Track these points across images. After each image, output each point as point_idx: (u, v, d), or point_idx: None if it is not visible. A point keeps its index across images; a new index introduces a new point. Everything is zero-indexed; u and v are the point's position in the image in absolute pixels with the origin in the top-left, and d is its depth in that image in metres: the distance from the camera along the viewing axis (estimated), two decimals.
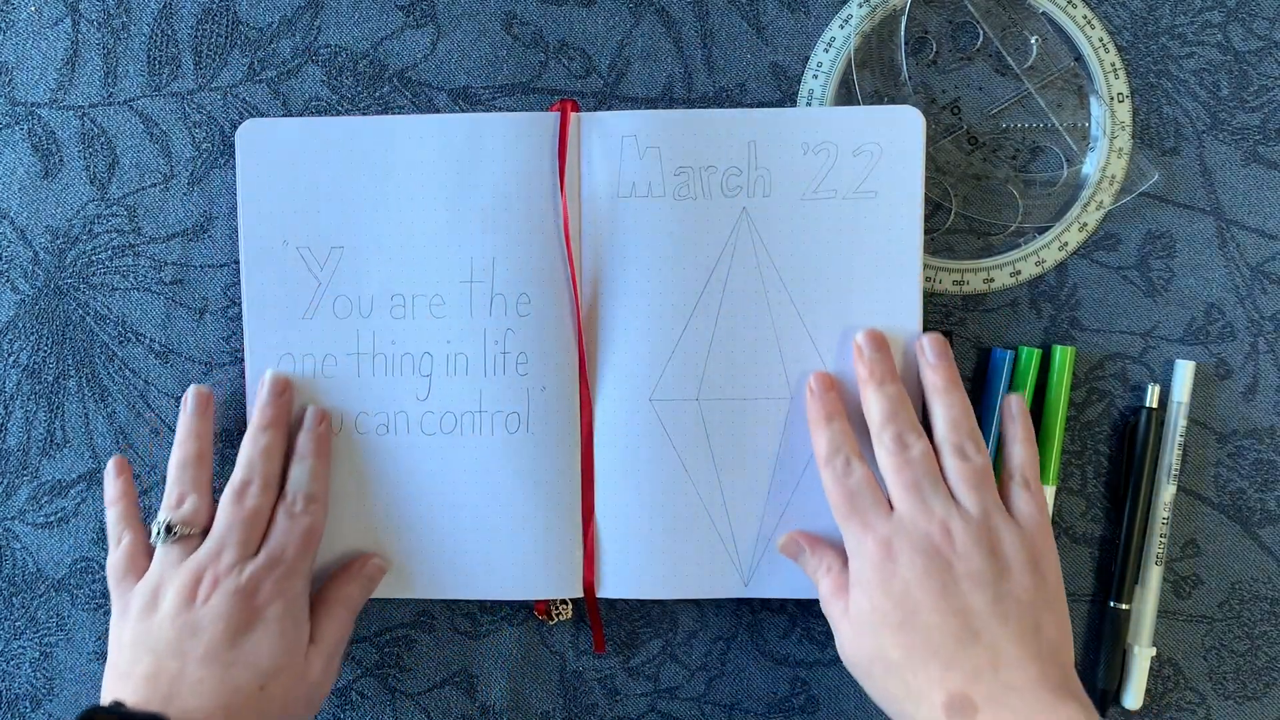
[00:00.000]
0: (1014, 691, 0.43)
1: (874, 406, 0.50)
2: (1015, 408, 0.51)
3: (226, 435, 0.55)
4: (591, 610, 0.54)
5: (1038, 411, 0.54)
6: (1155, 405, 0.53)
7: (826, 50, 0.54)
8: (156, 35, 0.55)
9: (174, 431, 0.55)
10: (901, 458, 0.48)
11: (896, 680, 0.46)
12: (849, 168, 0.52)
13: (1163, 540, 0.53)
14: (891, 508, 0.48)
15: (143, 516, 0.53)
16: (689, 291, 0.52)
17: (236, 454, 0.54)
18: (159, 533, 0.50)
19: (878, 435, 0.49)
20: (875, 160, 0.52)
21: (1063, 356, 0.53)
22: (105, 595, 0.55)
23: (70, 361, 0.55)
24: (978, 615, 0.45)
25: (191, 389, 0.54)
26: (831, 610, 0.49)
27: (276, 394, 0.53)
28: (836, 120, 0.52)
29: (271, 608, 0.48)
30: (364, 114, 0.54)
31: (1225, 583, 0.55)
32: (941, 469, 0.48)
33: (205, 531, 0.50)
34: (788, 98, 0.54)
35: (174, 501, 0.51)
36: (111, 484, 0.54)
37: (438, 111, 0.55)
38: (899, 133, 0.52)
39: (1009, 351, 0.53)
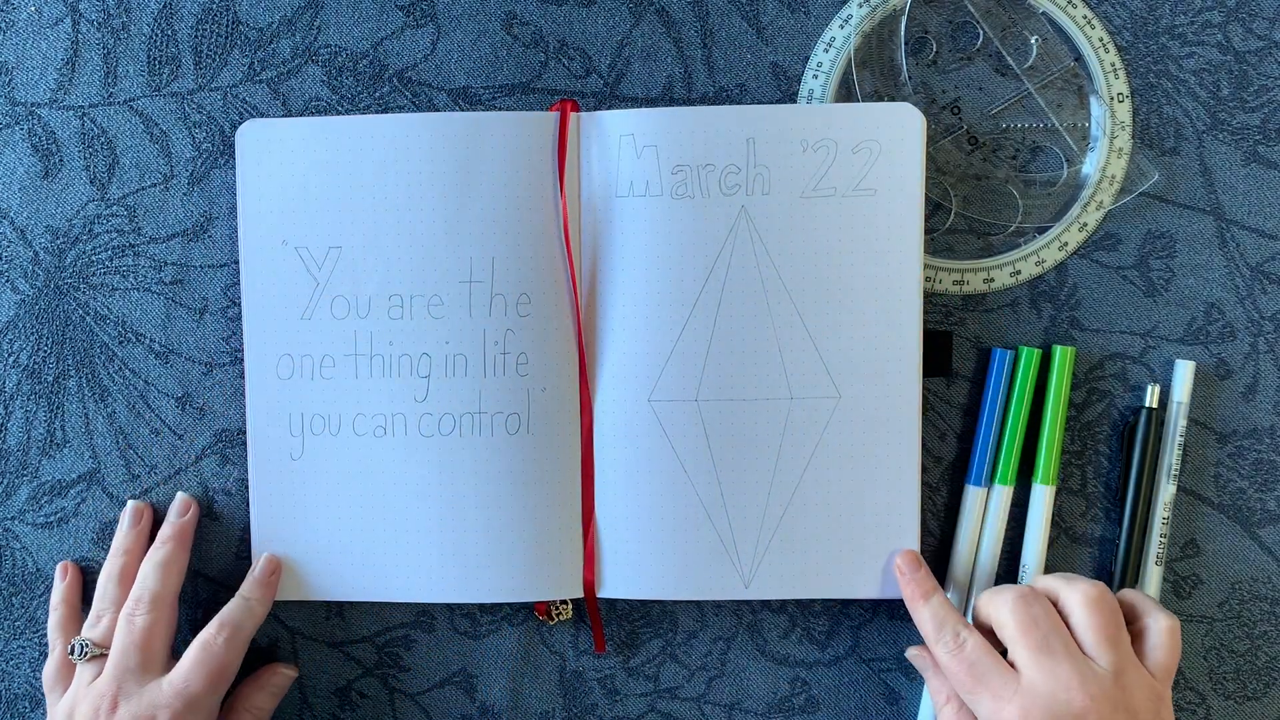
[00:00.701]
0: None
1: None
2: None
3: (226, 435, 0.55)
4: (591, 610, 0.54)
5: (1038, 411, 0.53)
6: (1155, 405, 0.53)
7: (826, 50, 0.54)
8: (156, 35, 0.55)
9: (172, 432, 0.55)
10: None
11: None
12: (848, 165, 0.52)
13: (1163, 540, 0.53)
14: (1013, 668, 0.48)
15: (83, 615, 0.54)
16: (688, 291, 0.52)
17: (239, 452, 0.55)
18: (72, 650, 0.50)
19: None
20: (874, 157, 0.52)
21: (1063, 356, 0.53)
22: None
23: (70, 361, 0.55)
24: None
25: (130, 504, 0.54)
26: None
27: (180, 513, 0.54)
28: (835, 117, 0.52)
29: None
30: (364, 114, 0.54)
31: (1225, 583, 0.54)
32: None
33: None
34: (788, 98, 0.54)
35: (94, 618, 0.52)
36: (55, 588, 0.54)
37: (438, 111, 0.55)
38: (898, 130, 0.52)
39: (1009, 351, 0.53)
